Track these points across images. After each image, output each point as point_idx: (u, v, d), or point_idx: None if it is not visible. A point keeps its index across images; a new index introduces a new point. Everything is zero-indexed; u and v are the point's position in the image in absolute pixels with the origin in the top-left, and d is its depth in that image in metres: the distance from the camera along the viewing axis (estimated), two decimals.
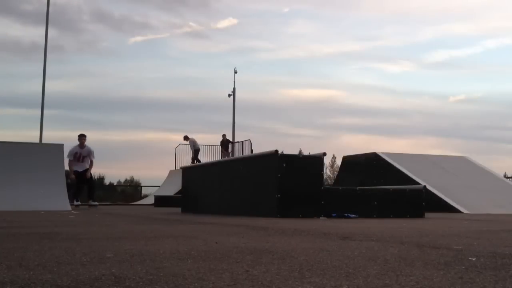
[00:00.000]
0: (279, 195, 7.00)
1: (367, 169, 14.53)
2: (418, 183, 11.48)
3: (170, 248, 2.56)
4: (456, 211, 11.10)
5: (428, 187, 11.04)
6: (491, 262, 2.04)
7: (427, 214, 7.88)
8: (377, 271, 1.80)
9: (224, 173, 8.91)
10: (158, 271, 1.79)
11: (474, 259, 2.12)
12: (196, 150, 24.51)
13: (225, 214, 8.00)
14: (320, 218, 6.86)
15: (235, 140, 26.11)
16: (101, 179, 38.31)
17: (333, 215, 7.10)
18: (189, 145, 24.68)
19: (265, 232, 3.86)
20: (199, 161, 24.07)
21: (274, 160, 7.17)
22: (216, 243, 2.88)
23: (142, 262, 2.03)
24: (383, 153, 14.52)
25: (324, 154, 7.51)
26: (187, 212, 9.78)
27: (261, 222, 5.23)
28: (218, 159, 23.06)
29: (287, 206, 6.98)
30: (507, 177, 21.17)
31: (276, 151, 7.16)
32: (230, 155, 24.33)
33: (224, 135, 25.36)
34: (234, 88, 26.29)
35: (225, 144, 25.20)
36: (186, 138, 24.61)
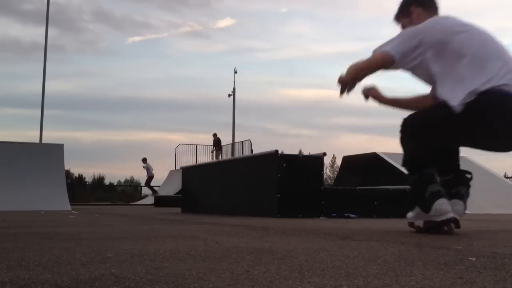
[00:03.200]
0: (279, 195, 7.00)
1: (367, 169, 14.53)
2: None
3: (170, 248, 2.56)
4: None
5: None
6: (491, 262, 2.04)
7: None
8: (377, 271, 1.80)
9: (224, 173, 8.91)
10: (158, 271, 1.79)
11: (474, 259, 2.12)
12: (150, 177, 23.58)
13: (225, 214, 8.00)
14: (320, 218, 6.86)
15: (235, 141, 26.08)
16: (101, 179, 38.32)
17: (333, 215, 7.10)
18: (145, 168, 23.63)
19: (265, 232, 3.86)
20: (152, 189, 23.32)
21: (274, 160, 7.18)
22: (216, 243, 2.88)
23: (142, 262, 2.03)
24: (383, 153, 14.52)
25: (324, 154, 7.52)
26: (187, 212, 9.78)
27: (261, 222, 5.23)
28: (216, 159, 23.04)
29: (287, 206, 6.98)
30: (507, 177, 21.18)
31: (276, 151, 7.17)
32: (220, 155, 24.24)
33: (215, 135, 25.26)
34: (234, 88, 26.30)
35: (218, 143, 25.10)
36: (144, 160, 23.46)
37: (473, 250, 2.51)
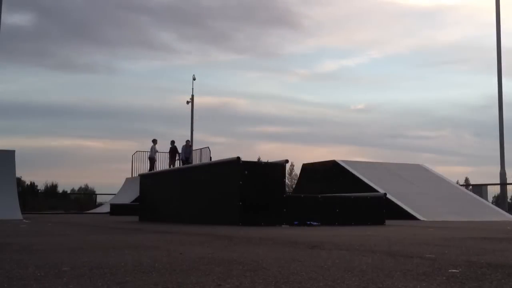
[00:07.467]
0: (240, 203, 6.87)
1: (327, 176, 14.58)
2: (376, 190, 11.56)
3: (132, 260, 2.39)
4: (413, 218, 11.23)
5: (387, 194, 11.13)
6: (471, 272, 1.97)
7: (386, 221, 7.91)
8: (357, 283, 1.70)
9: (184, 181, 8.71)
10: (121, 286, 1.64)
11: (452, 269, 2.05)
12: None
13: (185, 222, 7.80)
14: (282, 226, 6.77)
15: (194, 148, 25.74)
16: (54, 186, 37.21)
17: (295, 223, 7.02)
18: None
19: (230, 241, 3.73)
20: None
21: (235, 167, 7.04)
22: (181, 253, 2.73)
23: (103, 276, 1.87)
24: (342, 160, 14.61)
25: (286, 161, 7.44)
26: (145, 220, 9.51)
27: (224, 231, 5.09)
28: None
29: (249, 214, 6.85)
30: (461, 185, 21.72)
31: (238, 158, 7.04)
32: (179, 163, 23.80)
33: (172, 142, 24.67)
34: (192, 96, 26.09)
35: (174, 152, 24.48)
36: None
37: (447, 259, 2.46)
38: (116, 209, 16.77)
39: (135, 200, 16.70)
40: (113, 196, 24.71)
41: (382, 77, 61.21)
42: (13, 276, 1.86)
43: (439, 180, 14.62)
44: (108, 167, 55.68)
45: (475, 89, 61.25)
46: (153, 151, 23.74)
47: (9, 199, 10.53)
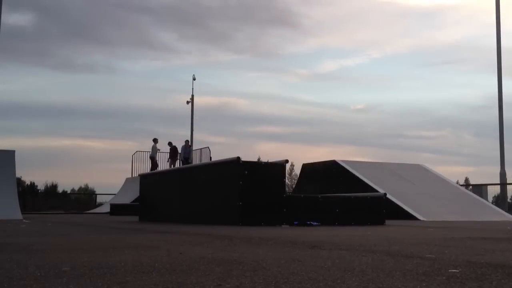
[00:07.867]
0: (241, 203, 6.87)
1: (327, 176, 14.58)
2: (376, 190, 11.56)
3: (132, 260, 2.39)
4: (413, 218, 11.23)
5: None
6: (471, 272, 1.97)
7: (386, 221, 7.91)
8: (357, 283, 1.70)
9: (184, 181, 8.71)
10: (122, 286, 1.64)
11: (452, 269, 2.05)
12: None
13: (185, 222, 7.80)
14: (282, 226, 6.77)
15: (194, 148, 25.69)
16: (54, 186, 37.18)
17: (295, 223, 7.02)
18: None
19: (230, 241, 3.73)
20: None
21: (235, 167, 7.04)
22: (181, 253, 2.73)
23: (102, 276, 1.87)
24: (342, 160, 14.62)
25: (286, 161, 7.44)
26: (145, 220, 9.52)
27: (224, 231, 5.10)
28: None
29: (249, 214, 6.85)
30: (461, 185, 21.72)
31: (238, 158, 7.04)
32: (179, 163, 23.71)
33: (170, 143, 24.48)
34: (192, 96, 26.08)
35: (175, 152, 24.27)
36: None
37: (447, 259, 2.46)
38: (116, 209, 16.77)
39: (135, 200, 16.70)
40: (113, 196, 24.71)
41: (382, 77, 61.25)
42: (13, 276, 1.86)
43: (439, 180, 14.62)
44: (108, 167, 55.67)
45: (475, 89, 61.23)
46: (154, 150, 23.66)
47: (9, 199, 10.53)
